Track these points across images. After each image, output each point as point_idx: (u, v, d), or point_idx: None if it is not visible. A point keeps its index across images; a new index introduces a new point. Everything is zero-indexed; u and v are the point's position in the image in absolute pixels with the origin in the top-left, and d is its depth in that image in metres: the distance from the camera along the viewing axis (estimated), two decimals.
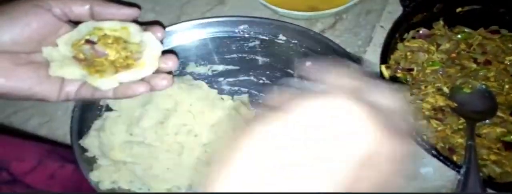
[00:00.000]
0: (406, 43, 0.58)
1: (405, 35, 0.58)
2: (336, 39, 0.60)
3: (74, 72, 0.39)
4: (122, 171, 0.50)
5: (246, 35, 0.61)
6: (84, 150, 0.51)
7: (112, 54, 0.39)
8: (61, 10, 0.39)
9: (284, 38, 0.60)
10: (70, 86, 0.40)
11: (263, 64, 0.59)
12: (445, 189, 0.52)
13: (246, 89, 0.58)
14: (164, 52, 0.42)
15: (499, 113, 0.52)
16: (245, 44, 0.60)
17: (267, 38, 0.60)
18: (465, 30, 0.58)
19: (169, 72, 0.43)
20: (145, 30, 0.42)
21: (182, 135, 0.50)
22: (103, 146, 0.50)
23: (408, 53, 0.57)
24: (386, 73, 0.53)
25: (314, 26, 0.63)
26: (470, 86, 0.54)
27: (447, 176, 0.51)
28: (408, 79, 0.56)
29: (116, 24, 0.41)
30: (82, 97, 0.41)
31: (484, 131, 0.51)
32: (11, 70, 0.36)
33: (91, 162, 0.52)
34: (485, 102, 0.53)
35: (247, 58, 0.60)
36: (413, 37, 0.58)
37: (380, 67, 0.53)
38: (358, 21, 0.63)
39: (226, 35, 0.61)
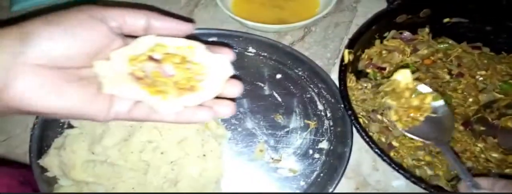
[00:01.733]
0: (385, 42, 0.58)
1: (386, 34, 0.58)
2: (305, 52, 0.60)
3: (132, 91, 0.34)
4: (84, 191, 0.47)
5: None
6: (44, 169, 0.49)
7: (179, 74, 0.35)
8: (116, 22, 0.34)
9: (254, 51, 0.59)
10: (121, 106, 0.36)
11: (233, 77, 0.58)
12: None
13: None
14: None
15: None
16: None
17: (236, 51, 0.60)
18: (449, 42, 0.59)
19: (232, 99, 0.39)
20: (209, 50, 0.37)
21: (147, 152, 0.48)
22: (64, 166, 0.48)
23: (384, 52, 0.57)
24: (347, 57, 0.51)
25: (283, 39, 0.62)
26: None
27: (419, 188, 0.51)
28: (377, 77, 0.56)
29: (182, 42, 0.36)
30: (135, 118, 0.37)
31: None
32: (63, 88, 0.32)
33: (52, 182, 0.49)
34: None
35: None
36: (394, 38, 0.58)
37: (343, 51, 0.52)
38: (326, 34, 0.63)
39: None
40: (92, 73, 0.34)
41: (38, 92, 0.31)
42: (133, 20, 0.35)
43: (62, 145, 0.49)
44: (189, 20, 0.39)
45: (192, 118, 0.36)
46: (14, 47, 0.30)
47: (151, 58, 0.35)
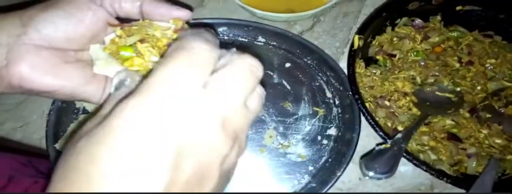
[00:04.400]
0: (396, 29, 0.59)
1: (398, 21, 0.58)
2: (314, 41, 0.60)
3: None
4: None
5: (225, 38, 0.61)
6: (59, 153, 0.50)
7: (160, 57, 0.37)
8: (111, 6, 0.37)
9: (263, 40, 0.60)
10: None
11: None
12: (424, 187, 0.53)
13: None
14: None
15: None
16: (224, 47, 0.60)
17: (246, 40, 0.61)
18: (460, 30, 0.59)
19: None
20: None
21: None
22: None
23: (395, 39, 0.58)
24: (357, 43, 0.53)
25: (292, 28, 0.63)
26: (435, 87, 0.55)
27: (425, 174, 0.52)
28: (387, 64, 0.57)
29: (169, 26, 0.38)
30: None
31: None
32: (61, 68, 0.34)
33: None
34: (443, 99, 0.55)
35: None
36: (405, 25, 0.59)
37: (353, 37, 0.54)
38: (335, 23, 0.64)
39: None
40: (89, 57, 0.37)
41: (37, 71, 0.33)
42: (128, 4, 0.37)
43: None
44: (188, 7, 0.39)
45: None
46: (16, 28, 0.32)
47: (139, 42, 0.36)
